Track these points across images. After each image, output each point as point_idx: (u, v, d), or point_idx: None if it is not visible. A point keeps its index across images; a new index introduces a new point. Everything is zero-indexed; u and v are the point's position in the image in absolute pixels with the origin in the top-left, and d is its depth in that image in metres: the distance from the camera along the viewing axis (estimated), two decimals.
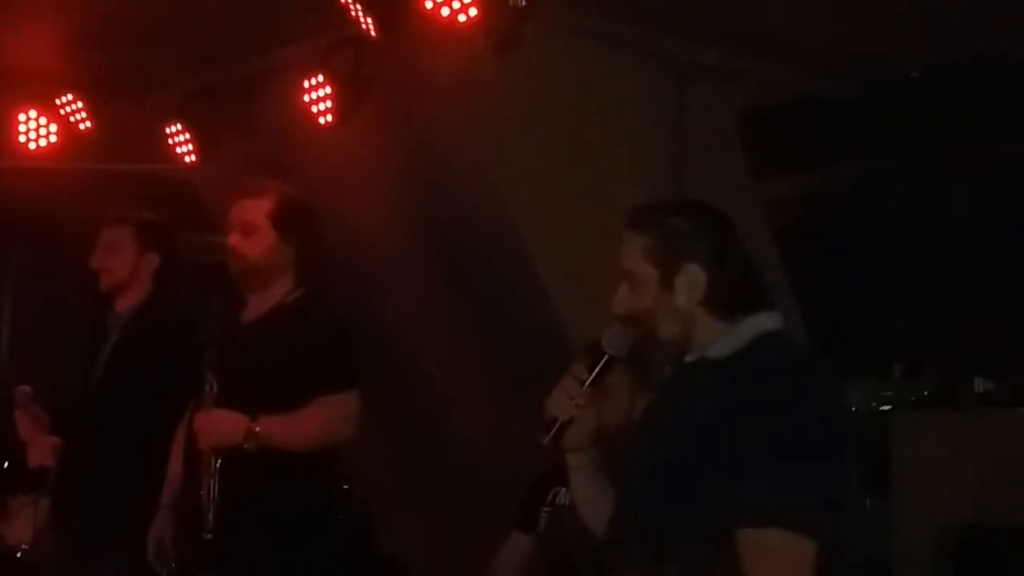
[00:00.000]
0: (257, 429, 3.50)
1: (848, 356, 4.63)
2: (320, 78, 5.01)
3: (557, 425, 2.36)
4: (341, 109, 4.98)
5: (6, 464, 5.02)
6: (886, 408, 4.45)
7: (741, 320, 2.32)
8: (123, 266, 4.21)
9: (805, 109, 5.27)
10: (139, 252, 4.22)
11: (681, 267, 2.31)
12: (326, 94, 5.01)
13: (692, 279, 2.31)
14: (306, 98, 5.04)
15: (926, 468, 4.31)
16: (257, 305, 3.75)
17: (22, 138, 5.55)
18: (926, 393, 4.48)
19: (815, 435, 2.17)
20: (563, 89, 4.79)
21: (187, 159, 5.50)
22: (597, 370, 2.37)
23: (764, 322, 2.33)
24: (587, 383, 2.36)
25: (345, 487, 4.53)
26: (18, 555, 5.04)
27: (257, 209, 3.71)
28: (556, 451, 2.46)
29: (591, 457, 2.45)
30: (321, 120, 5.01)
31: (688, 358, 2.35)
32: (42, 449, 4.25)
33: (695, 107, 4.99)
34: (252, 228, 3.70)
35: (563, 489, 3.42)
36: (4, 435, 5.43)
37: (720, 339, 2.31)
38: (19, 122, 5.56)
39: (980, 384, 4.45)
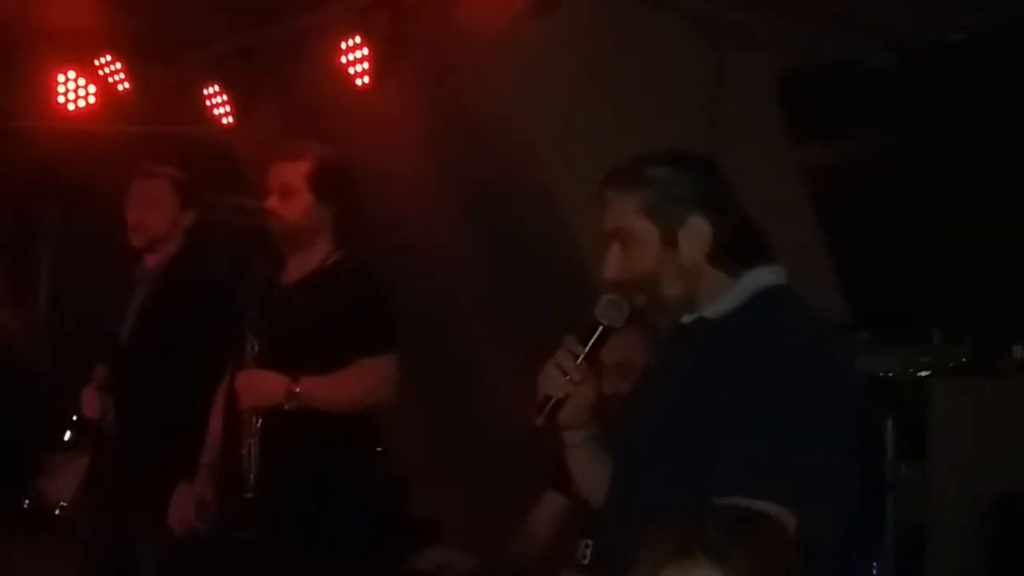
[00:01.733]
0: (297, 390, 3.53)
1: (886, 322, 4.61)
2: (357, 39, 5.00)
3: (551, 404, 2.25)
4: (378, 70, 4.97)
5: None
6: (924, 374, 4.42)
7: (744, 274, 2.22)
8: (162, 221, 4.22)
9: (845, 74, 5.22)
10: (179, 207, 4.24)
11: (684, 220, 2.20)
12: (363, 55, 5.00)
13: (696, 232, 2.20)
14: (343, 59, 5.03)
15: (964, 434, 4.29)
16: (297, 267, 3.78)
17: (61, 99, 5.57)
18: (964, 360, 4.44)
19: (803, 403, 2.07)
20: (601, 51, 4.76)
21: (224, 121, 5.51)
22: (592, 343, 2.24)
23: (766, 277, 2.23)
24: (581, 357, 2.24)
25: (379, 449, 4.56)
26: (56, 512, 5.09)
27: (295, 172, 3.74)
28: (552, 430, 2.34)
29: (590, 433, 2.35)
30: (358, 81, 5.01)
31: (684, 319, 2.25)
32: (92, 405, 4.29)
33: (734, 71, 4.95)
34: (290, 191, 3.72)
35: None
36: (45, 395, 5.49)
37: (721, 295, 2.21)
38: (58, 83, 5.57)
39: (1019, 351, 4.43)
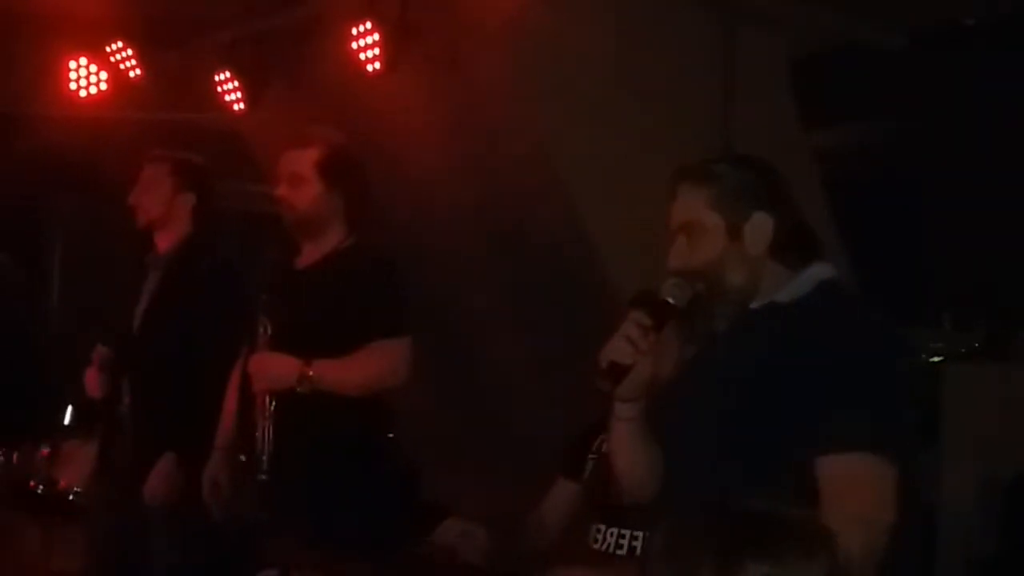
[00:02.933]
0: (310, 372, 3.55)
1: (898, 307, 4.60)
2: (368, 25, 5.00)
3: (618, 369, 2.36)
4: (388, 56, 4.97)
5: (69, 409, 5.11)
6: (936, 359, 4.43)
7: (803, 268, 2.38)
8: (158, 203, 4.24)
9: (856, 57, 5.20)
10: (175, 190, 4.25)
11: (750, 215, 2.37)
12: (374, 41, 4.99)
13: (760, 226, 2.37)
14: (354, 45, 5.03)
15: (976, 418, 4.30)
16: (310, 253, 3.80)
17: (72, 85, 5.57)
18: (976, 344, 4.45)
19: (890, 370, 2.27)
20: (610, 34, 4.75)
21: (236, 107, 5.51)
22: (661, 319, 2.39)
23: (825, 271, 2.40)
24: (651, 331, 2.37)
25: (391, 435, 4.57)
26: (70, 498, 5.11)
27: (304, 159, 3.75)
28: (605, 397, 2.46)
29: (640, 409, 2.47)
30: (369, 67, 5.01)
31: (754, 304, 2.40)
32: (96, 385, 4.31)
33: (745, 53, 4.94)
34: (300, 179, 3.74)
35: None
36: (57, 380, 5.51)
37: (785, 285, 2.37)
38: (70, 70, 5.58)
39: None
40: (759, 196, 2.38)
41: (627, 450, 2.52)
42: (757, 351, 2.35)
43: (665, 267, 2.42)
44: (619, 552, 3.31)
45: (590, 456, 3.55)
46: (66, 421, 5.16)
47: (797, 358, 2.27)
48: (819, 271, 2.39)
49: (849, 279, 4.69)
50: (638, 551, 3.24)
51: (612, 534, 3.37)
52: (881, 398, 2.23)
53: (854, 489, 2.16)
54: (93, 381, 4.28)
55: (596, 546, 3.38)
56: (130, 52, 5.52)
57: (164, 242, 4.29)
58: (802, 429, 2.21)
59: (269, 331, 3.69)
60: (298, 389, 3.57)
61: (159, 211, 4.24)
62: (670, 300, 2.39)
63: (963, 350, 4.43)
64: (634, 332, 2.37)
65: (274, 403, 3.58)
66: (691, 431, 2.40)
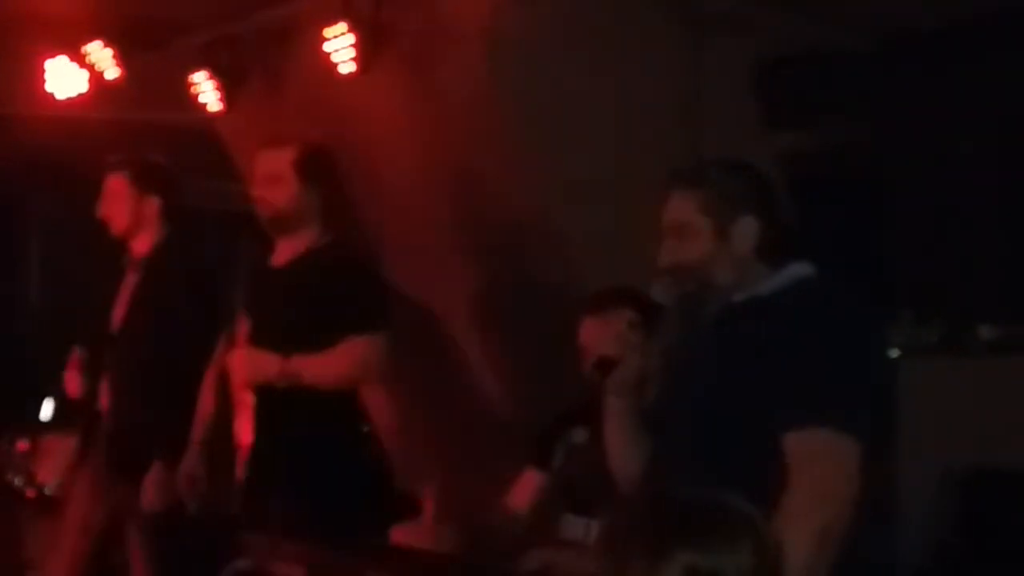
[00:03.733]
0: (290, 368, 3.61)
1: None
2: (343, 27, 5.04)
3: (607, 362, 2.59)
4: (363, 58, 5.01)
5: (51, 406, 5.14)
6: (894, 354, 4.51)
7: (783, 266, 2.56)
8: (125, 213, 4.29)
9: (821, 61, 5.27)
10: (138, 197, 4.29)
11: (737, 218, 2.53)
12: (348, 43, 5.03)
13: (746, 229, 2.54)
14: (328, 47, 5.08)
15: (933, 413, 4.36)
16: (286, 250, 3.86)
17: (50, 86, 5.58)
18: (935, 339, 4.53)
19: (856, 353, 2.40)
20: (580, 37, 4.82)
21: (212, 107, 5.56)
22: (651, 317, 2.63)
23: (804, 268, 2.58)
24: (640, 329, 2.65)
25: (365, 429, 4.63)
26: (47, 492, 5.14)
27: (280, 159, 3.82)
28: (598, 390, 2.65)
29: (630, 404, 2.65)
30: (343, 69, 5.05)
31: (736, 298, 2.56)
32: (76, 384, 4.36)
33: (711, 57, 5.01)
34: (276, 178, 3.80)
35: (580, 428, 3.52)
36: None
37: (766, 281, 2.54)
38: (47, 70, 5.59)
39: (987, 331, 4.52)
40: (747, 201, 2.55)
41: (620, 444, 2.68)
42: (738, 341, 2.49)
43: (657, 264, 2.58)
44: (589, 541, 3.38)
45: (559, 446, 3.62)
46: (45, 417, 5.20)
47: (773, 345, 2.41)
48: (798, 268, 2.57)
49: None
50: None
51: (581, 523, 3.44)
52: (846, 378, 2.35)
53: (816, 463, 2.27)
54: (73, 381, 4.33)
55: (566, 535, 3.46)
56: (108, 52, 5.53)
57: (139, 246, 4.34)
58: (776, 412, 2.34)
59: (248, 328, 3.74)
60: (277, 384, 3.63)
61: (127, 220, 4.29)
62: (658, 300, 2.60)
63: (922, 345, 4.51)
64: (624, 328, 2.65)
65: (252, 398, 3.65)
66: (675, 421, 2.53)
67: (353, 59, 5.02)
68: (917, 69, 5.07)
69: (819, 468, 2.27)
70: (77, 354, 4.33)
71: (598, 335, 2.60)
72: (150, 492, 3.97)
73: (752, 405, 2.38)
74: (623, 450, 2.66)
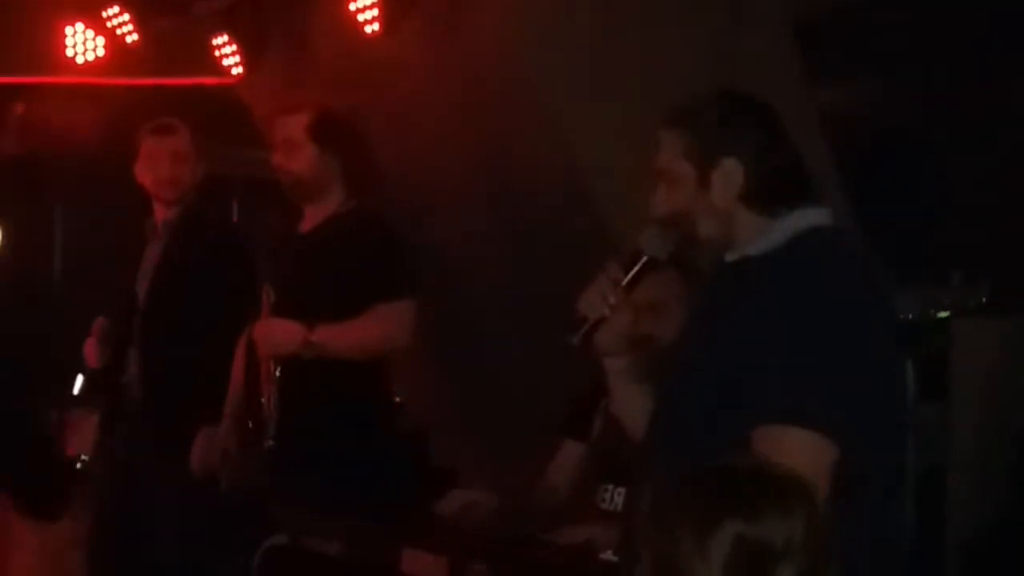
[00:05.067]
0: (314, 338, 3.56)
1: (906, 263, 4.58)
2: None
3: (587, 324, 2.33)
4: (388, 18, 4.93)
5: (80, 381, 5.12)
6: (944, 315, 4.43)
7: (784, 215, 2.25)
8: (190, 175, 4.26)
9: (864, 13, 5.15)
10: (196, 162, 4.27)
11: (718, 162, 2.25)
12: (373, 2, 4.95)
13: (728, 174, 2.25)
14: (352, 7, 4.99)
15: (984, 374, 4.29)
16: (312, 217, 3.82)
17: (69, 52, 5.55)
18: (984, 300, 4.45)
19: (847, 337, 2.10)
20: None
21: (234, 71, 5.48)
22: (634, 271, 2.34)
23: (809, 217, 2.26)
24: (622, 283, 2.33)
25: (398, 399, 4.57)
26: (78, 466, 5.15)
27: (296, 124, 3.78)
28: (587, 353, 2.42)
29: (631, 362, 2.43)
30: (368, 29, 4.97)
31: (728, 257, 2.30)
32: (100, 354, 4.32)
33: (750, 11, 4.89)
34: (293, 144, 3.77)
35: None
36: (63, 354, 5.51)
37: (760, 235, 2.25)
38: (66, 35, 5.55)
39: None
40: (732, 141, 2.25)
41: (623, 403, 2.48)
42: (725, 307, 2.26)
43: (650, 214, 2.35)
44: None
45: (596, 415, 3.55)
46: (76, 391, 5.18)
47: (756, 318, 2.15)
48: (799, 219, 2.25)
49: (856, 236, 4.70)
50: None
51: (620, 493, 3.37)
52: (827, 370, 2.07)
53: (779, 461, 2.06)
54: (92, 352, 4.30)
55: (604, 505, 3.38)
56: (127, 17, 5.49)
57: (165, 211, 4.29)
58: (751, 394, 2.11)
59: (273, 297, 3.69)
60: (302, 355, 3.58)
61: (190, 183, 4.25)
62: (647, 252, 2.34)
63: (971, 305, 4.42)
64: (605, 285, 2.33)
65: (280, 369, 3.59)
66: (673, 389, 2.34)
67: (378, 19, 4.94)
68: (965, 21, 4.93)
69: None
70: (99, 324, 4.28)
71: (583, 295, 2.37)
72: (196, 458, 3.93)
73: (734, 385, 2.15)
74: (628, 408, 2.47)
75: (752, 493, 1.67)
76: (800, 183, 2.29)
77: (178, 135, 4.29)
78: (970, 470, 4.30)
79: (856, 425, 2.07)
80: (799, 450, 2.03)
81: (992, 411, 4.32)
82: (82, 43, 5.52)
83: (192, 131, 4.32)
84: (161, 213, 4.30)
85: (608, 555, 3.01)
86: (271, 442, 3.59)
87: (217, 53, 5.46)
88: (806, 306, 2.12)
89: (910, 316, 4.30)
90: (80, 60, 5.53)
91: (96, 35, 5.51)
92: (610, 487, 3.42)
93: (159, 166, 4.26)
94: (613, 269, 2.35)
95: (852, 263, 2.24)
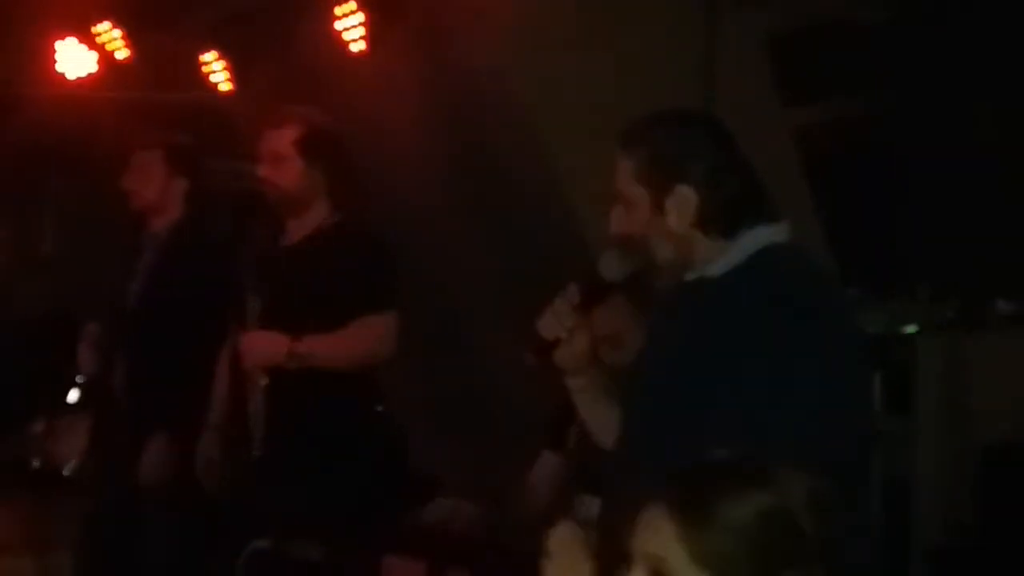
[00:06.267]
0: (299, 349, 3.61)
1: (874, 279, 4.66)
2: (352, 5, 5.02)
3: (543, 345, 2.41)
4: (373, 36, 4.99)
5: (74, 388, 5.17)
6: (911, 329, 4.49)
7: (742, 235, 2.24)
8: (153, 189, 4.33)
9: (836, 34, 5.22)
10: (168, 176, 4.32)
11: (671, 188, 2.23)
12: (358, 21, 5.01)
13: (682, 201, 2.23)
14: (337, 25, 5.05)
15: (950, 388, 4.35)
16: (296, 230, 3.85)
17: (60, 67, 5.58)
18: (951, 315, 4.50)
19: (810, 349, 2.10)
20: (593, 10, 4.78)
21: (222, 86, 5.54)
22: (588, 293, 2.38)
23: (766, 235, 2.25)
24: (576, 305, 2.37)
25: (380, 408, 4.63)
26: (65, 472, 5.17)
27: (283, 138, 3.80)
28: (544, 371, 2.48)
29: (591, 379, 2.47)
30: (353, 47, 5.03)
31: (688, 277, 2.30)
32: (91, 362, 4.38)
33: (726, 31, 4.97)
34: (280, 157, 3.79)
35: None
36: (52, 360, 5.56)
37: (719, 257, 2.24)
38: (57, 51, 5.58)
39: (1003, 305, 4.49)
40: (685, 166, 2.22)
41: (591, 418, 2.53)
42: (683, 326, 2.26)
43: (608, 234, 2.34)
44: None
45: (572, 427, 3.62)
46: (71, 399, 5.23)
47: (711, 341, 2.15)
48: (759, 238, 2.23)
49: (826, 252, 4.79)
50: None
51: (597, 504, 3.44)
52: (795, 382, 2.06)
53: None
54: (86, 358, 4.36)
55: (579, 517, 3.45)
56: (117, 33, 5.52)
57: (158, 224, 4.36)
58: (719, 408, 2.10)
59: (259, 309, 3.74)
60: (288, 366, 3.63)
61: (153, 197, 4.33)
62: (604, 275, 2.37)
63: (938, 320, 4.48)
64: (562, 307, 2.38)
65: (265, 380, 3.65)
66: (635, 406, 2.36)
67: (363, 37, 5.00)
68: (933, 40, 5.01)
69: None
70: (90, 330, 4.34)
71: (542, 317, 2.43)
72: (146, 465, 3.99)
73: (691, 403, 2.15)
74: (599, 425, 2.50)
75: (756, 468, 1.62)
76: (754, 202, 2.27)
77: (150, 151, 4.32)
78: (935, 482, 4.36)
79: (822, 437, 2.06)
80: None
81: (957, 424, 4.38)
82: (73, 58, 5.56)
83: (173, 148, 4.35)
84: (154, 225, 4.37)
85: None
86: (257, 452, 3.65)
87: (206, 68, 5.53)
88: (768, 321, 2.11)
89: (877, 331, 4.36)
90: (71, 75, 5.56)
91: (88, 51, 5.54)
92: (586, 498, 3.49)
93: (126, 177, 4.33)
94: (571, 292, 2.38)
95: (812, 278, 2.26)
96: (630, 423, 2.37)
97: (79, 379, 4.81)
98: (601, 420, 2.49)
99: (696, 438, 2.05)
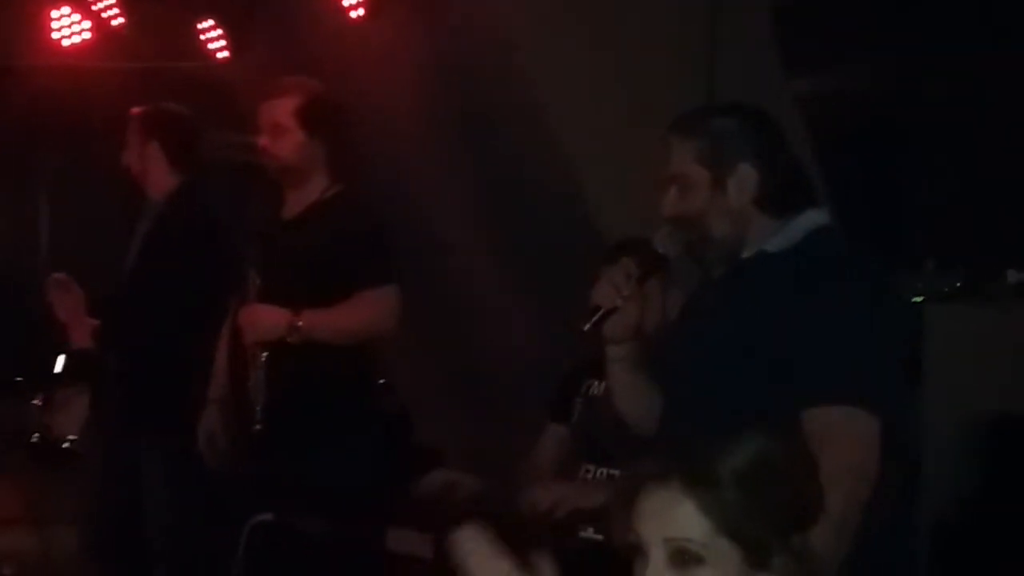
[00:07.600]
0: (299, 323, 3.58)
1: (880, 251, 4.64)
2: None
3: (600, 313, 2.48)
4: (373, 3, 4.95)
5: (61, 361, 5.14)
6: (918, 300, 4.49)
7: (793, 217, 2.43)
8: (133, 159, 4.30)
9: (838, 3, 5.19)
10: (142, 141, 4.29)
11: (733, 167, 2.41)
12: None
13: (744, 178, 2.41)
14: None
15: (957, 359, 4.36)
16: (295, 202, 3.81)
17: (55, 35, 5.54)
18: (958, 285, 4.51)
19: (874, 321, 2.32)
20: None
21: (219, 55, 5.49)
22: (649, 266, 2.51)
23: (816, 218, 2.45)
24: (635, 277, 2.49)
25: (383, 381, 4.61)
26: (64, 446, 5.15)
27: (283, 108, 3.75)
28: (595, 340, 2.58)
29: (630, 350, 2.57)
30: (352, 14, 4.99)
31: (745, 253, 2.46)
32: (82, 332, 4.33)
33: (728, 1, 4.93)
34: (280, 128, 3.74)
35: (596, 381, 3.50)
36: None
37: (774, 235, 2.42)
38: (52, 19, 5.54)
39: (1011, 275, 4.49)
40: (745, 148, 2.42)
41: (623, 390, 2.63)
42: (744, 301, 2.41)
43: (659, 215, 2.50)
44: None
45: (578, 399, 3.61)
46: (57, 370, 5.20)
47: (781, 309, 2.32)
48: (810, 219, 2.44)
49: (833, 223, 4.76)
50: None
51: (601, 474, 3.44)
52: (864, 350, 2.29)
53: (835, 441, 2.21)
54: (75, 325, 4.33)
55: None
56: (113, 0, 5.48)
57: (152, 193, 4.32)
58: (784, 380, 2.28)
59: (258, 283, 3.71)
60: (288, 340, 3.60)
61: (135, 166, 4.29)
62: (660, 250, 2.50)
63: (945, 291, 4.49)
64: (619, 278, 2.47)
65: (266, 354, 3.62)
66: (682, 377, 2.48)
67: (363, 4, 4.96)
68: (939, 9, 4.98)
69: (839, 446, 2.21)
70: (57, 280, 4.32)
71: (598, 286, 2.54)
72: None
73: (760, 372, 2.32)
74: (627, 396, 2.63)
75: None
76: (804, 186, 2.50)
77: (133, 121, 4.29)
78: (943, 453, 4.36)
79: (888, 399, 2.29)
80: (851, 426, 2.23)
81: (965, 395, 4.39)
82: (68, 27, 5.51)
83: (148, 114, 4.30)
84: (151, 193, 4.33)
85: (589, 532, 3.09)
86: (258, 426, 3.62)
87: (203, 37, 5.48)
88: (833, 296, 2.31)
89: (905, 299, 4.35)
90: (66, 43, 5.51)
91: (83, 18, 5.50)
92: (591, 467, 3.48)
93: (124, 153, 4.30)
94: (628, 264, 2.51)
95: (861, 258, 2.46)
96: (686, 391, 2.48)
97: (70, 347, 4.77)
98: (630, 391, 2.61)
99: (772, 404, 2.27)
